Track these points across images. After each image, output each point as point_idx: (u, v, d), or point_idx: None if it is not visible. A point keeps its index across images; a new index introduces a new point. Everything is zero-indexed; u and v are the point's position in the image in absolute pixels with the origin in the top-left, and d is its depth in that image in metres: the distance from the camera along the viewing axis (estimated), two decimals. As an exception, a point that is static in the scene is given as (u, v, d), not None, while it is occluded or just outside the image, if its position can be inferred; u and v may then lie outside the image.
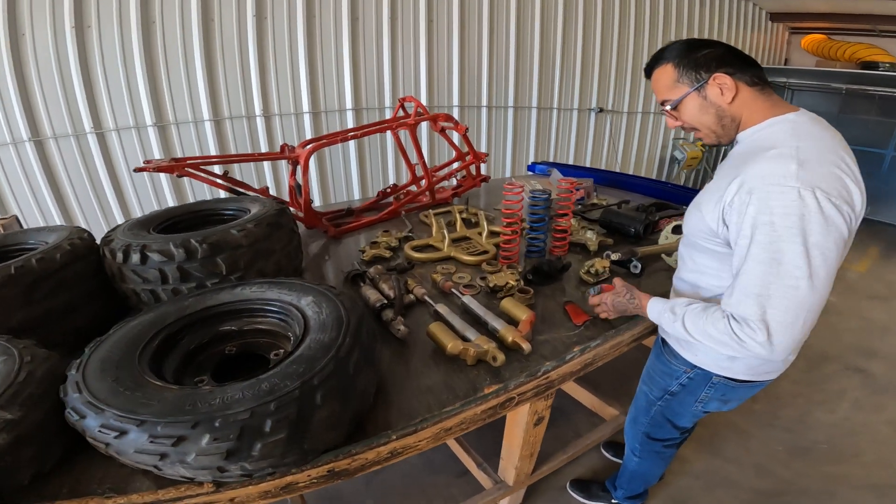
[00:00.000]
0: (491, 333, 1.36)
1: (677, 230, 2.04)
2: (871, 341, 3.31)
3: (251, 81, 3.30)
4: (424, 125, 3.31)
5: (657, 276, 1.95)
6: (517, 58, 4.48)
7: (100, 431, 0.76)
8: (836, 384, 2.85)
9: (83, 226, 3.18)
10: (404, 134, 2.51)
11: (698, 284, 1.29)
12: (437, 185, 2.80)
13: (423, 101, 4.05)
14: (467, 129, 2.56)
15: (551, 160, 5.49)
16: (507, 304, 1.47)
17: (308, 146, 2.16)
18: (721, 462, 2.26)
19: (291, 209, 2.15)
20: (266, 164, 3.63)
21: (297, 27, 3.28)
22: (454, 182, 3.04)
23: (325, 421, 0.84)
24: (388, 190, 2.78)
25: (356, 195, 4.12)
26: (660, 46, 1.21)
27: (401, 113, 2.66)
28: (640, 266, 1.91)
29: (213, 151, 3.40)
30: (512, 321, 1.42)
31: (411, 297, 1.55)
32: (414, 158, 2.69)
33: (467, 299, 1.52)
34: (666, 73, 1.15)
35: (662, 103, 1.20)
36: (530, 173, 3.91)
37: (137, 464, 0.78)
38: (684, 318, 1.15)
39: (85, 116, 2.86)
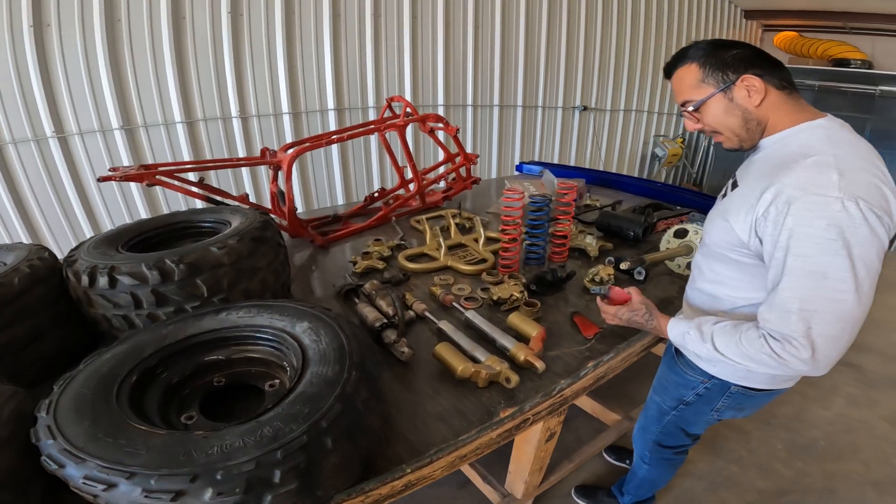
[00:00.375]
0: (500, 352, 1.27)
1: (679, 234, 1.99)
2: (862, 336, 3.30)
3: (226, 81, 3.12)
4: (411, 126, 3.20)
5: (660, 280, 1.89)
6: (502, 55, 4.39)
7: (84, 483, 0.67)
8: (829, 380, 2.86)
9: (49, 240, 2.98)
10: (391, 135, 2.39)
11: (716, 295, 1.23)
12: (427, 188, 2.69)
13: (408, 99, 3.93)
14: (458, 129, 2.47)
15: (536, 159, 5.45)
16: (515, 319, 1.38)
17: (291, 150, 2.03)
18: (723, 462, 2.23)
19: (275, 218, 2.01)
20: (244, 170, 3.45)
21: (275, 24, 3.11)
22: (443, 184, 2.94)
23: (337, 465, 0.74)
24: (376, 194, 2.66)
25: (340, 200, 3.97)
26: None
27: (388, 113, 2.54)
28: (644, 273, 1.85)
29: (186, 156, 3.21)
30: (520, 337, 1.33)
31: (411, 313, 1.45)
32: (402, 161, 2.58)
33: (471, 314, 1.42)
34: (690, 72, 1.09)
35: (683, 104, 1.13)
36: (518, 173, 3.84)
37: None
38: (713, 338, 1.08)
39: (45, 119, 2.65)
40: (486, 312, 1.51)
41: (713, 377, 1.28)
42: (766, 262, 1.02)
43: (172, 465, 0.67)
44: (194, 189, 1.87)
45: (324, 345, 0.94)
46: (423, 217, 2.28)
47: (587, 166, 6.19)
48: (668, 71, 1.15)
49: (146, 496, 0.65)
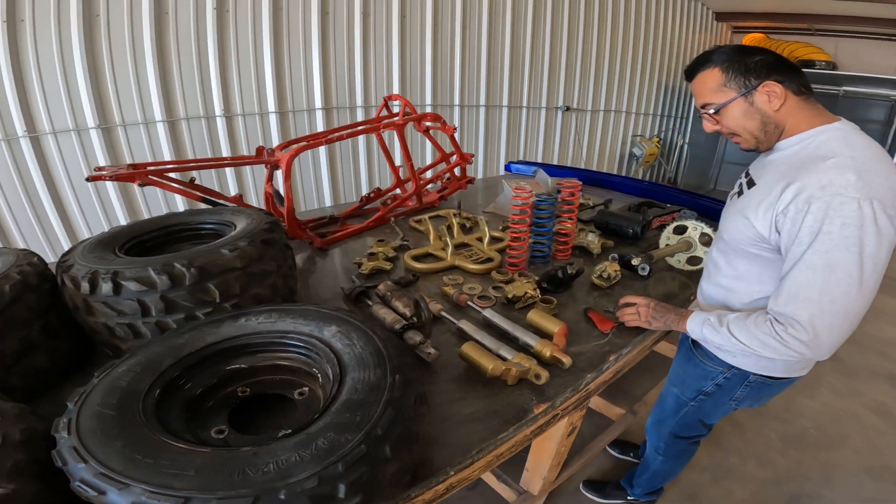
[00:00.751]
0: (523, 349, 1.25)
1: (679, 230, 2.02)
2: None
3: (210, 79, 3.01)
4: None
5: (661, 276, 1.92)
6: (489, 56, 4.40)
7: None
8: (812, 371, 2.88)
9: (20, 245, 2.80)
10: (387, 134, 2.35)
11: (734, 290, 1.26)
12: (423, 187, 2.65)
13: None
14: (455, 129, 2.44)
15: (521, 158, 5.48)
16: (535, 316, 1.37)
17: (289, 149, 1.96)
18: (723, 453, 2.28)
19: (273, 219, 1.94)
20: (228, 170, 3.33)
21: (262, 21, 3.01)
22: (438, 184, 2.91)
23: (395, 475, 0.70)
24: (372, 195, 2.61)
25: (328, 202, 3.89)
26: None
27: (384, 112, 2.49)
28: (647, 269, 1.87)
29: (167, 156, 3.08)
30: (541, 334, 1.32)
31: (427, 315, 1.41)
32: (397, 160, 2.54)
33: (489, 313, 1.40)
34: (712, 76, 1.12)
35: (704, 106, 1.16)
36: (507, 173, 3.85)
37: None
38: (729, 324, 1.14)
39: (16, 118, 2.48)
40: (501, 311, 1.49)
41: (732, 367, 1.31)
42: (782, 255, 1.07)
43: (229, 487, 0.61)
44: (190, 191, 1.77)
45: (358, 349, 0.90)
46: (426, 216, 2.24)
47: (569, 165, 6.29)
48: (690, 74, 1.17)
49: None
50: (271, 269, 1.28)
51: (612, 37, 5.67)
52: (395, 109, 2.49)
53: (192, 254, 1.13)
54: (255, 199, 3.41)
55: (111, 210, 3.04)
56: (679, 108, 7.87)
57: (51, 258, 2.49)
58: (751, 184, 1.20)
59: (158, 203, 3.18)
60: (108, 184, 2.96)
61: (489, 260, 1.87)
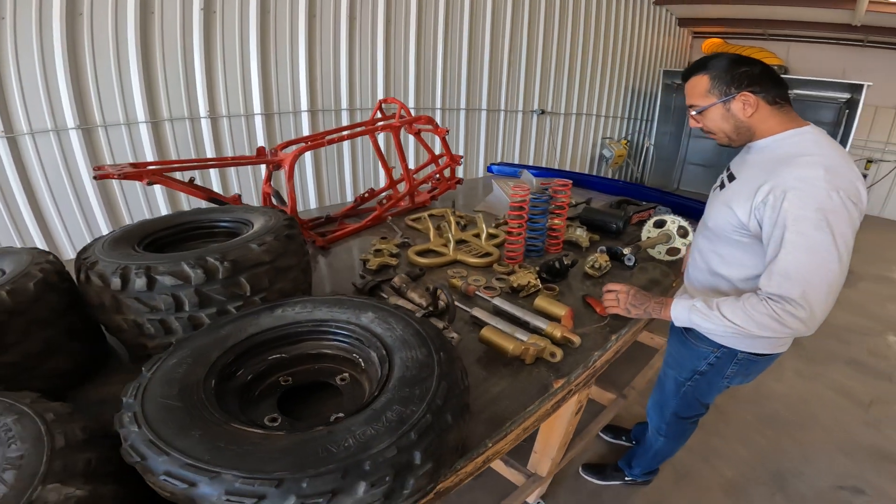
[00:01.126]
0: (535, 332, 1.35)
1: (658, 224, 2.17)
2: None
3: (195, 80, 2.98)
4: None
5: (645, 266, 2.07)
6: (469, 61, 4.52)
7: (227, 500, 0.62)
8: None
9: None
10: (380, 136, 2.41)
11: (719, 273, 1.38)
12: (416, 188, 2.72)
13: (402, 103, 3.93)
14: (448, 131, 2.53)
15: (499, 160, 5.63)
16: (542, 301, 1.47)
17: (290, 149, 1.99)
18: (707, 435, 2.44)
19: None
20: (213, 171, 3.29)
21: (249, 23, 3.00)
22: (428, 184, 2.99)
23: (454, 443, 0.77)
24: (366, 195, 2.66)
25: (312, 204, 3.89)
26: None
27: (378, 115, 2.55)
28: (633, 259, 2.01)
29: (149, 157, 3.02)
30: (549, 318, 1.42)
31: (441, 303, 1.49)
32: (390, 161, 2.60)
33: (498, 301, 1.49)
34: (701, 82, 1.26)
35: (690, 106, 1.30)
36: (489, 174, 3.96)
37: None
38: (720, 307, 1.22)
39: (-9, 118, 2.40)
40: (507, 299, 1.59)
41: (722, 347, 1.43)
42: (764, 241, 1.20)
43: (317, 465, 0.64)
44: (195, 190, 1.78)
45: (399, 331, 0.96)
46: (425, 214, 2.31)
47: (544, 166, 6.49)
48: (686, 76, 1.30)
49: (303, 502, 0.61)
50: (293, 264, 1.32)
51: (583, 42, 5.91)
52: (379, 114, 2.54)
53: (223, 248, 1.16)
54: (246, 200, 3.38)
55: (90, 212, 2.95)
56: (645, 111, 8.25)
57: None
58: (731, 178, 1.34)
59: (139, 204, 3.11)
60: (88, 186, 2.88)
61: (488, 254, 1.96)
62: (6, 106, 2.43)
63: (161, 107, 2.95)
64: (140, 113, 2.88)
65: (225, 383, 0.90)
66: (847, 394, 2.92)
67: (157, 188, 3.15)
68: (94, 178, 1.51)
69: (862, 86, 5.91)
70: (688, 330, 1.52)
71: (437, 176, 2.89)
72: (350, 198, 4.12)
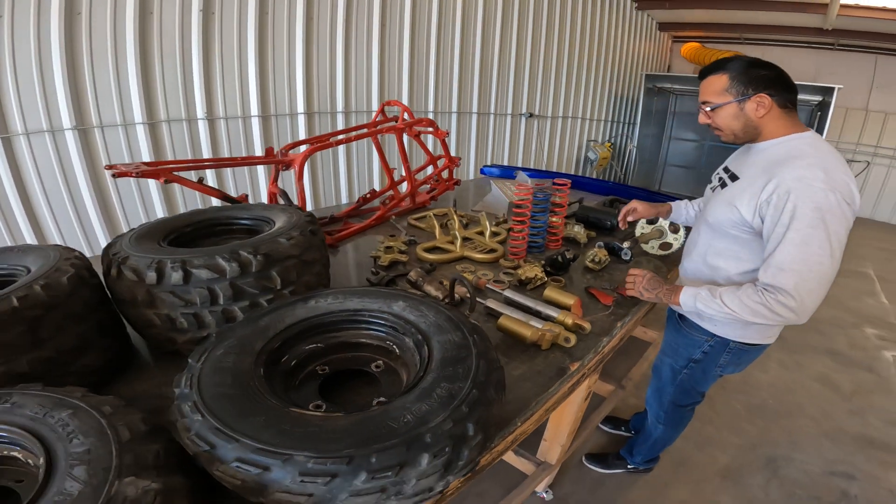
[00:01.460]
0: (547, 320, 1.42)
1: (651, 221, 2.28)
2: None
3: (193, 81, 2.98)
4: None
5: (639, 259, 2.16)
6: (460, 66, 4.61)
7: (301, 482, 0.64)
8: None
9: None
10: (380, 138, 2.46)
11: (715, 264, 1.47)
12: (417, 188, 2.79)
13: (374, 106, 3.99)
14: (448, 133, 2.60)
15: (489, 162, 5.73)
16: (552, 292, 1.55)
17: (301, 149, 2.03)
18: (700, 424, 2.56)
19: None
20: (209, 171, 3.29)
21: (247, 24, 3.02)
22: (427, 185, 3.05)
23: (496, 417, 0.83)
24: (368, 195, 2.70)
25: (308, 206, 3.90)
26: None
27: (380, 117, 2.61)
28: (629, 253, 2.12)
29: (146, 158, 3.01)
30: (559, 307, 1.50)
31: (458, 295, 1.55)
32: (392, 163, 2.65)
33: (510, 293, 1.56)
34: (720, 81, 1.31)
35: (704, 102, 1.36)
36: (482, 175, 4.05)
37: None
38: (721, 296, 1.31)
39: (-13, 119, 2.37)
40: (516, 291, 1.66)
41: (715, 336, 1.53)
42: (764, 236, 1.28)
43: (381, 440, 0.67)
44: (208, 189, 1.81)
45: (431, 318, 1.02)
46: (431, 212, 2.38)
47: (532, 167, 6.63)
48: (705, 73, 1.36)
49: (372, 478, 0.64)
50: (318, 258, 1.37)
51: (569, 47, 6.07)
52: (369, 118, 2.59)
53: (255, 242, 1.20)
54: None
55: (84, 214, 2.92)
56: (627, 114, 8.48)
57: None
58: (733, 178, 1.42)
59: (135, 204, 3.09)
60: (83, 186, 2.86)
61: (493, 250, 2.03)
62: (1, 106, 2.40)
63: (158, 108, 2.94)
64: (137, 114, 2.87)
65: (270, 372, 0.95)
66: (830, 384, 3.08)
67: (153, 189, 3.14)
68: (113, 176, 1.52)
69: (833, 88, 6.17)
70: (683, 319, 1.62)
71: (437, 177, 2.96)
72: (345, 200, 4.16)
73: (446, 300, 1.46)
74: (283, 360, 0.99)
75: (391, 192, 2.74)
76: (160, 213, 3.16)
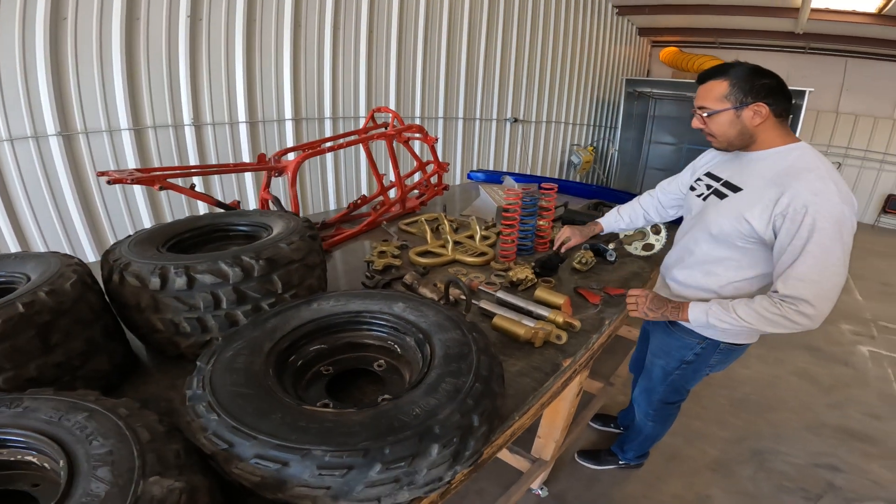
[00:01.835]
0: (539, 319, 1.48)
1: (636, 223, 2.37)
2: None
3: (180, 87, 2.97)
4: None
5: (623, 260, 2.25)
6: (447, 72, 4.67)
7: (320, 475, 0.68)
8: None
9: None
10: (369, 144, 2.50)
11: (713, 272, 1.48)
12: (407, 194, 2.83)
13: (362, 112, 4.02)
14: (437, 139, 2.65)
15: (475, 167, 5.80)
16: (542, 292, 1.61)
17: (292, 155, 2.06)
18: (688, 419, 2.64)
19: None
20: (196, 178, 3.27)
21: (235, 31, 3.02)
22: (416, 191, 3.10)
23: (501, 408, 0.87)
24: (359, 201, 2.73)
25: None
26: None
27: (371, 123, 2.64)
28: (614, 255, 2.20)
29: (131, 164, 2.98)
30: (550, 307, 1.56)
31: (453, 297, 1.60)
32: (381, 168, 2.69)
33: (502, 294, 1.62)
34: (720, 87, 1.30)
35: (701, 107, 1.35)
36: (471, 180, 4.12)
37: (358, 503, 0.70)
38: (736, 311, 1.32)
39: (-32, 125, 2.33)
40: (508, 292, 1.72)
41: (707, 338, 1.56)
42: (776, 248, 1.28)
43: (394, 432, 0.71)
44: (202, 196, 1.82)
45: (431, 317, 1.07)
46: (422, 217, 2.42)
47: (517, 172, 6.73)
48: (704, 78, 1.34)
49: (387, 468, 0.67)
50: (317, 263, 1.40)
51: (553, 53, 6.21)
52: (357, 123, 2.62)
53: (257, 247, 1.22)
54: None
55: (69, 221, 2.88)
56: (609, 119, 8.67)
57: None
58: (733, 188, 1.39)
59: (120, 209, 3.05)
60: (67, 193, 2.82)
61: (484, 254, 2.09)
62: (-16, 112, 2.37)
63: (144, 114, 2.92)
64: (123, 120, 2.85)
65: (280, 372, 0.98)
66: (809, 378, 3.21)
67: (140, 196, 3.11)
68: (108, 182, 1.53)
69: (804, 91, 6.33)
70: (673, 322, 1.65)
71: (426, 182, 3.01)
72: (333, 206, 4.17)
73: (442, 302, 1.51)
74: (290, 360, 1.02)
75: (381, 198, 2.78)
76: (146, 220, 3.13)
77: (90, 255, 2.94)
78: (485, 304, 1.53)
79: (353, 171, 4.25)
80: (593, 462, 2.25)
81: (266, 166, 2.02)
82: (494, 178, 3.92)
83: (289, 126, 3.57)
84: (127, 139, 2.91)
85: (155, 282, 1.14)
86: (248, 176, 3.51)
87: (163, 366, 1.30)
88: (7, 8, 2.24)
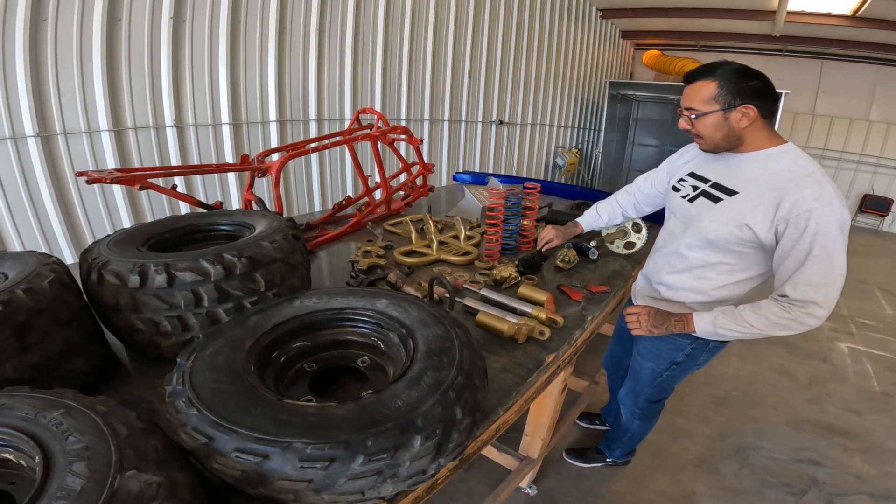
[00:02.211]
0: (522, 315, 1.50)
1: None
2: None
3: (162, 89, 2.94)
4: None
5: (606, 259, 2.28)
6: (433, 74, 4.70)
7: (302, 468, 0.67)
8: None
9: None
10: (354, 145, 2.51)
11: (705, 276, 1.48)
12: (393, 194, 2.83)
13: (347, 114, 4.02)
14: (422, 141, 2.67)
15: (461, 169, 5.84)
16: (525, 290, 1.63)
17: (276, 156, 2.05)
18: (672, 417, 2.68)
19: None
20: (178, 178, 3.24)
21: (219, 33, 3.00)
22: (401, 192, 3.10)
23: (483, 401, 0.89)
24: (344, 202, 2.73)
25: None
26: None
27: (356, 125, 2.65)
28: (597, 253, 2.23)
29: (111, 165, 2.94)
30: (533, 303, 1.58)
31: (437, 295, 1.61)
32: (366, 170, 2.69)
33: (486, 291, 1.64)
34: (707, 88, 1.28)
35: (688, 108, 1.33)
36: (456, 182, 4.14)
37: (341, 496, 0.70)
38: (744, 317, 1.33)
39: (-58, 126, 2.28)
40: (492, 290, 1.74)
41: (697, 338, 1.54)
42: (778, 253, 1.29)
43: (375, 425, 0.71)
44: (185, 196, 1.80)
45: (414, 313, 1.08)
46: (407, 218, 2.43)
47: (503, 174, 6.78)
48: (691, 78, 1.31)
49: (369, 460, 0.68)
50: (300, 262, 1.40)
51: (538, 55, 6.28)
52: (342, 125, 2.63)
53: (239, 245, 1.22)
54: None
55: (47, 223, 2.83)
56: (593, 121, 8.79)
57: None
58: (727, 191, 1.36)
59: (99, 213, 3.00)
60: (45, 195, 2.76)
61: (468, 253, 2.10)
62: (-41, 112, 2.32)
63: (125, 115, 2.89)
64: (103, 121, 2.81)
65: (262, 369, 0.98)
66: (787, 374, 3.28)
67: (119, 196, 3.06)
68: (87, 182, 1.52)
69: (781, 93, 6.42)
70: None
71: (411, 184, 3.02)
72: (318, 207, 4.15)
73: (426, 299, 1.52)
74: (272, 357, 1.02)
75: (367, 199, 2.78)
76: (126, 221, 3.08)
77: (68, 257, 2.89)
78: (469, 302, 1.55)
79: (338, 173, 4.24)
80: (581, 460, 2.27)
81: (249, 167, 2.01)
82: (480, 179, 3.95)
83: (273, 128, 3.56)
84: (107, 140, 2.87)
85: (134, 280, 1.13)
86: (232, 177, 3.48)
87: (143, 367, 1.29)
88: (-16, 7, 2.20)
